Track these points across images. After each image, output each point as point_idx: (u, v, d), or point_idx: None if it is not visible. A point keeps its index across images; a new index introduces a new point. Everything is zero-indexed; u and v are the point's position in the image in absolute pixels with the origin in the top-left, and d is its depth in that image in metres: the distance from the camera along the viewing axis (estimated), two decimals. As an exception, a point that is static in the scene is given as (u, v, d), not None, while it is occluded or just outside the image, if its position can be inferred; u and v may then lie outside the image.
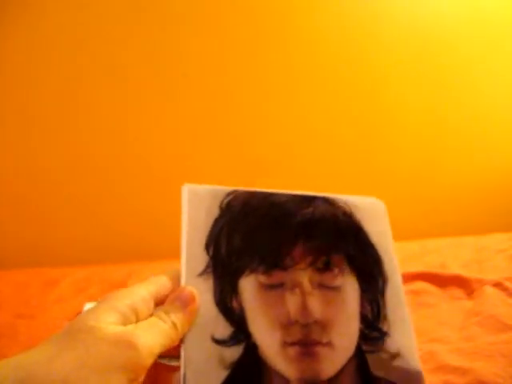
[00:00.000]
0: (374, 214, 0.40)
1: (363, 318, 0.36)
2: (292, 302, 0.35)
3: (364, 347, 0.35)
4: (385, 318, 0.36)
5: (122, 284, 0.85)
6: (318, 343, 0.34)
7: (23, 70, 1.14)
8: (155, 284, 0.34)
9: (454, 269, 0.81)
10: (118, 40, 1.14)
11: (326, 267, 0.36)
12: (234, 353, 0.33)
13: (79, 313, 0.36)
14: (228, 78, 1.18)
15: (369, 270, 0.38)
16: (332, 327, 0.35)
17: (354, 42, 1.19)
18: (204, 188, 0.38)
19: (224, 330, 0.33)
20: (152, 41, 1.15)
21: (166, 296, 0.34)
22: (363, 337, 0.35)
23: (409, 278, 0.78)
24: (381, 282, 0.38)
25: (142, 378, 0.29)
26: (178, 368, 0.33)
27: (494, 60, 1.22)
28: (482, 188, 1.27)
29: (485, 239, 0.95)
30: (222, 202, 0.37)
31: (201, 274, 0.34)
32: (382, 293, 0.37)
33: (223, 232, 0.36)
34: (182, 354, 0.32)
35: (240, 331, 0.34)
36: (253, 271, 0.35)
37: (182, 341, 0.32)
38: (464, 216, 1.26)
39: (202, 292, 0.34)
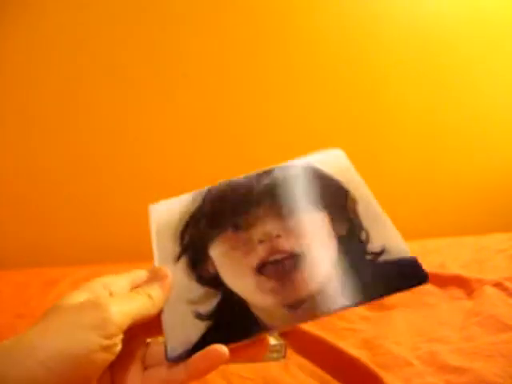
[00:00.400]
0: (332, 160, 0.43)
1: (338, 239, 0.36)
2: (261, 248, 0.36)
3: (346, 258, 0.35)
4: (360, 227, 0.37)
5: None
6: (294, 270, 0.34)
7: (23, 69, 1.14)
8: (131, 274, 0.36)
9: (454, 269, 0.81)
10: (117, 40, 1.14)
11: (291, 212, 0.38)
12: (209, 306, 0.35)
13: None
14: (228, 78, 1.18)
15: (335, 201, 0.39)
16: (306, 252, 0.35)
17: (354, 42, 1.19)
18: (168, 202, 0.43)
19: (197, 291, 0.35)
20: (152, 41, 1.15)
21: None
22: (343, 250, 0.35)
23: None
24: (350, 205, 0.38)
25: (118, 338, 0.29)
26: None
27: (495, 60, 1.22)
28: (481, 188, 1.27)
29: (485, 239, 0.95)
30: (187, 205, 0.42)
31: (174, 260, 0.37)
32: (354, 212, 0.38)
33: (189, 222, 0.40)
34: (162, 323, 0.34)
35: (213, 286, 0.35)
36: (220, 236, 0.38)
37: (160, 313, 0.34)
38: (464, 216, 1.26)
39: (176, 272, 0.36)
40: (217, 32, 1.16)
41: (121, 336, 0.30)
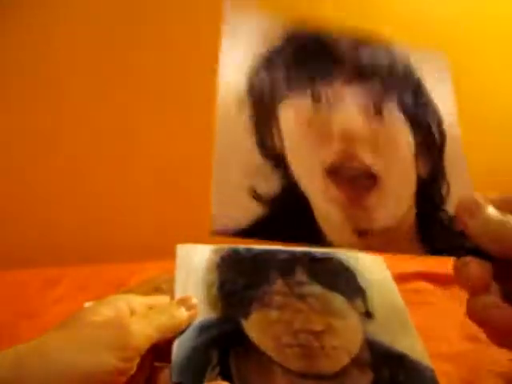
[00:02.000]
0: (436, 72, 0.37)
1: (418, 180, 0.32)
2: (339, 146, 0.30)
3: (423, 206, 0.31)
4: (443, 177, 0.33)
5: (123, 283, 0.85)
6: (368, 192, 0.30)
7: (25, 65, 1.14)
8: (155, 297, 0.36)
9: (455, 268, 0.81)
10: (124, 39, 1.14)
11: (377, 111, 0.32)
12: (270, 187, 0.29)
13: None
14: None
15: (426, 123, 0.34)
16: (384, 178, 0.30)
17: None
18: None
19: (258, 160, 0.29)
20: (162, 40, 1.14)
21: None
22: (420, 198, 0.31)
23: (409, 276, 0.78)
24: (439, 138, 0.34)
25: (135, 360, 0.29)
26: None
27: (495, 59, 1.22)
28: (481, 187, 1.27)
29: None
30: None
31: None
32: (441, 150, 0.33)
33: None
34: (213, 185, 0.28)
35: (277, 164, 0.29)
36: (296, 98, 0.31)
37: None
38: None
39: (236, 126, 0.30)
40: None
41: (138, 360, 0.30)
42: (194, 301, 0.34)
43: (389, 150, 0.31)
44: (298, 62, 0.32)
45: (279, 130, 0.30)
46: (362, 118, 0.31)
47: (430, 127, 0.34)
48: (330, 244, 0.28)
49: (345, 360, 0.32)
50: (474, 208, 0.28)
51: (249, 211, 0.28)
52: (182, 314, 0.33)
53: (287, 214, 0.28)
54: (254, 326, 0.33)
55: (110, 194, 1.21)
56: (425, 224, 0.30)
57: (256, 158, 0.29)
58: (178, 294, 0.36)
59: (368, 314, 0.36)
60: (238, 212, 0.28)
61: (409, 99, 0.33)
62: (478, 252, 0.28)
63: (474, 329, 0.63)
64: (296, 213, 0.29)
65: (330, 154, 0.30)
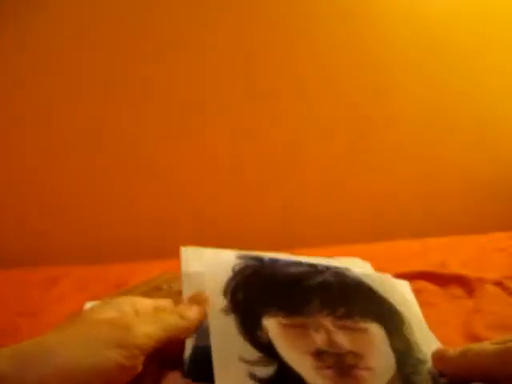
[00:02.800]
0: (380, 277, 0.43)
1: (396, 352, 0.36)
2: (318, 337, 0.35)
3: (404, 371, 0.35)
4: (418, 349, 0.38)
5: (123, 283, 0.85)
6: (355, 367, 0.34)
7: (27, 66, 1.14)
8: (157, 300, 0.36)
9: (455, 268, 0.81)
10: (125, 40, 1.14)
11: (346, 315, 0.37)
12: (265, 370, 0.33)
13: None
14: (227, 79, 1.18)
15: (389, 317, 0.39)
16: (366, 356, 0.35)
17: (354, 42, 1.19)
18: (211, 251, 0.43)
19: (252, 354, 0.34)
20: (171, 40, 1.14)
21: None
22: (401, 363, 0.35)
23: (409, 276, 0.78)
24: (405, 325, 0.39)
25: (139, 359, 0.29)
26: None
27: (496, 55, 1.22)
28: (482, 187, 1.27)
29: (485, 238, 0.95)
30: (234, 266, 0.41)
31: (222, 310, 0.36)
32: (409, 332, 0.39)
33: (238, 285, 0.39)
34: (214, 370, 0.32)
35: (269, 355, 0.34)
36: (273, 316, 0.37)
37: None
38: (464, 215, 1.26)
39: (226, 323, 0.35)
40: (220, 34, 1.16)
41: (142, 358, 0.30)
42: (205, 295, 0.35)
43: (364, 340, 0.36)
44: (269, 282, 0.39)
45: (265, 331, 0.36)
46: (331, 317, 0.37)
47: (393, 318, 0.40)
48: None
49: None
50: (442, 355, 0.36)
51: None
52: (193, 314, 0.33)
53: None
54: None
55: (110, 194, 1.21)
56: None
57: (250, 350, 0.34)
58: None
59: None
60: None
61: (367, 304, 0.40)
62: None
63: (474, 329, 0.63)
64: None
65: (313, 342, 0.35)
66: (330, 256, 0.55)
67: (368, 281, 0.42)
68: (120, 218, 1.21)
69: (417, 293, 0.74)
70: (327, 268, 0.42)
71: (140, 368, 0.30)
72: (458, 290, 0.74)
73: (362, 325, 0.37)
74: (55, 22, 1.11)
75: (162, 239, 1.19)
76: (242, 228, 1.23)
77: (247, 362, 0.34)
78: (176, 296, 0.38)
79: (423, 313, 0.69)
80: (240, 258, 0.42)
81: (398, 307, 0.40)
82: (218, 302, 0.37)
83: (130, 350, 0.29)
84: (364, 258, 0.60)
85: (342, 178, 1.24)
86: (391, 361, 0.35)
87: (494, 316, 0.62)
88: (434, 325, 0.66)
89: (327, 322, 0.36)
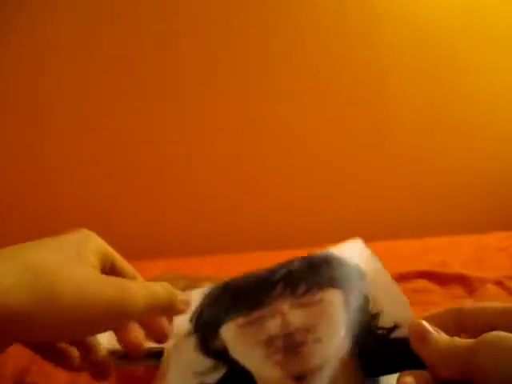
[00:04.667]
0: (350, 248, 0.42)
1: (350, 312, 0.35)
2: (272, 324, 0.36)
3: (355, 331, 0.34)
4: (374, 303, 0.36)
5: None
6: (304, 344, 0.34)
7: (28, 66, 1.14)
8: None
9: (455, 267, 0.81)
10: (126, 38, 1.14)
11: (307, 290, 0.37)
12: (214, 376, 0.34)
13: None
14: (226, 78, 1.18)
15: (351, 280, 0.38)
16: (317, 327, 0.34)
17: (353, 42, 1.19)
18: None
19: (205, 364, 0.35)
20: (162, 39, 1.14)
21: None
22: (353, 324, 0.34)
23: (410, 276, 0.78)
24: (365, 283, 0.37)
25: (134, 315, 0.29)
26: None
27: (496, 57, 1.22)
28: (482, 186, 1.27)
29: (485, 238, 0.95)
30: (205, 290, 0.41)
31: (184, 335, 0.38)
32: (368, 289, 0.37)
33: (203, 306, 0.40)
34: None
35: (221, 359, 0.35)
36: (232, 320, 0.37)
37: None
38: (464, 214, 1.26)
39: (186, 345, 0.37)
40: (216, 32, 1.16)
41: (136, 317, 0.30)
42: (186, 297, 0.34)
43: (318, 312, 0.36)
44: (233, 296, 0.40)
45: (221, 339, 0.36)
46: (289, 297, 0.37)
47: (356, 278, 0.38)
48: None
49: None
50: (423, 337, 0.30)
51: None
52: (179, 294, 0.33)
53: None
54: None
55: (110, 194, 1.21)
56: (362, 349, 0.33)
57: (203, 361, 0.35)
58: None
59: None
60: None
61: (329, 273, 0.39)
62: (415, 361, 0.30)
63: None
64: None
65: (267, 331, 0.35)
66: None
67: (336, 252, 0.41)
68: (120, 217, 1.21)
69: (417, 292, 0.75)
70: (296, 258, 0.42)
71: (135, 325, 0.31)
72: (458, 290, 0.74)
73: (319, 296, 0.37)
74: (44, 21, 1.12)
75: (162, 239, 1.19)
76: (241, 228, 1.23)
77: (199, 373, 0.34)
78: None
79: (423, 312, 0.70)
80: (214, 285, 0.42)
81: (362, 268, 0.39)
82: (182, 328, 0.38)
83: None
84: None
85: (341, 178, 1.24)
86: (342, 325, 0.34)
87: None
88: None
89: (285, 305, 0.37)
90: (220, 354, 0.36)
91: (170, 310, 0.32)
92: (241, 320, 0.37)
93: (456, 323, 0.31)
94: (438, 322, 0.31)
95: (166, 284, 0.33)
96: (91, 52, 1.14)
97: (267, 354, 0.34)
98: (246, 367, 0.34)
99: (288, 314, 0.36)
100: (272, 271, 0.41)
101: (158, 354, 0.48)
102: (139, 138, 1.19)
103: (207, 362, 0.35)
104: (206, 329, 0.38)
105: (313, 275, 0.39)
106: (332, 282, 0.38)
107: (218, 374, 0.34)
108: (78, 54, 1.14)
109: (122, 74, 1.15)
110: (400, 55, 1.20)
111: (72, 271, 0.26)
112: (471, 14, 1.19)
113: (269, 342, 0.35)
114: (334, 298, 0.36)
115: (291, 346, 0.34)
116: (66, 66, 1.14)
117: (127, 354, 0.45)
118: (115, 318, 0.28)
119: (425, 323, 0.31)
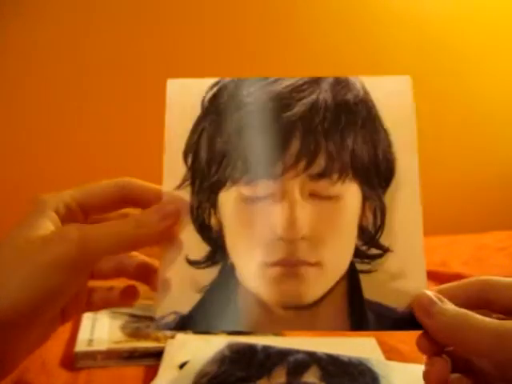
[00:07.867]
0: (395, 97, 0.35)
1: (362, 232, 0.30)
2: (278, 215, 0.30)
3: (359, 267, 0.30)
4: (390, 230, 0.30)
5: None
6: (304, 263, 0.30)
7: (27, 65, 1.14)
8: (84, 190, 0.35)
9: (455, 267, 0.81)
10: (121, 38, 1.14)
11: (323, 173, 0.30)
12: (207, 275, 0.30)
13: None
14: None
15: (376, 169, 0.31)
16: (323, 244, 0.30)
17: (353, 42, 1.19)
18: (187, 82, 0.34)
19: (199, 250, 0.31)
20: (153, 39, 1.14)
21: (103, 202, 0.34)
22: (359, 254, 0.30)
23: (410, 276, 0.78)
24: (392, 185, 0.31)
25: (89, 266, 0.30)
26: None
27: (495, 57, 1.22)
28: (482, 186, 1.27)
29: (485, 237, 0.95)
30: (205, 97, 0.33)
31: (178, 187, 0.32)
32: (391, 199, 0.31)
33: (203, 136, 0.32)
34: (158, 273, 0.31)
35: (216, 251, 0.31)
36: (235, 182, 0.31)
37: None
38: (464, 214, 1.26)
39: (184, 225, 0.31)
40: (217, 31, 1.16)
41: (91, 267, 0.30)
42: (171, 207, 0.30)
43: (330, 214, 0.30)
44: (236, 130, 0.32)
45: (218, 214, 0.31)
46: (303, 182, 0.30)
47: (380, 172, 0.31)
48: (246, 332, 0.31)
49: None
50: (429, 307, 0.27)
51: (190, 299, 0.30)
52: (154, 218, 0.30)
53: (216, 305, 0.30)
54: None
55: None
56: (355, 296, 0.30)
57: (198, 241, 0.31)
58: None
59: None
60: (181, 301, 0.30)
61: (360, 144, 0.31)
62: (411, 322, 0.28)
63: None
64: (222, 304, 0.30)
65: (269, 227, 0.30)
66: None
67: (374, 98, 0.35)
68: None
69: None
70: (325, 79, 0.36)
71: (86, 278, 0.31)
72: (458, 290, 0.74)
73: (337, 189, 0.30)
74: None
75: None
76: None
77: (192, 263, 0.30)
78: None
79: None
80: (215, 85, 0.34)
81: (394, 149, 0.31)
82: (175, 173, 0.33)
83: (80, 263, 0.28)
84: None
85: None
86: (349, 250, 0.30)
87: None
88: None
89: (296, 185, 0.30)
90: (216, 240, 0.31)
91: (139, 242, 0.30)
92: (244, 189, 0.31)
93: (479, 296, 0.28)
94: (459, 293, 0.29)
95: (137, 217, 0.31)
96: (89, 52, 1.14)
97: (264, 263, 0.30)
98: (239, 274, 0.30)
99: (297, 203, 0.30)
100: (292, 99, 0.34)
101: (158, 354, 0.48)
102: (139, 137, 1.19)
103: (202, 248, 0.31)
104: (204, 187, 0.31)
105: (337, 140, 0.31)
106: (357, 169, 0.31)
107: (210, 275, 0.30)
108: (76, 53, 1.13)
109: (122, 74, 1.15)
110: (400, 55, 1.20)
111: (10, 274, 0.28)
112: (471, 14, 1.19)
113: (270, 245, 0.30)
114: (352, 198, 0.31)
115: (291, 263, 0.30)
116: (66, 65, 1.14)
117: (127, 355, 0.44)
118: (76, 264, 0.28)
119: (431, 294, 0.28)
